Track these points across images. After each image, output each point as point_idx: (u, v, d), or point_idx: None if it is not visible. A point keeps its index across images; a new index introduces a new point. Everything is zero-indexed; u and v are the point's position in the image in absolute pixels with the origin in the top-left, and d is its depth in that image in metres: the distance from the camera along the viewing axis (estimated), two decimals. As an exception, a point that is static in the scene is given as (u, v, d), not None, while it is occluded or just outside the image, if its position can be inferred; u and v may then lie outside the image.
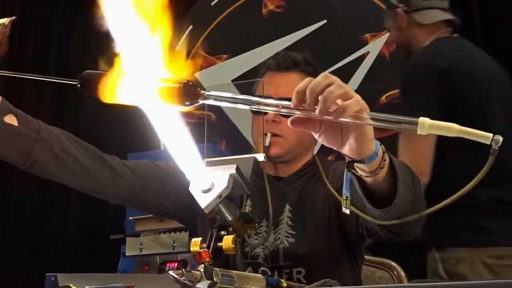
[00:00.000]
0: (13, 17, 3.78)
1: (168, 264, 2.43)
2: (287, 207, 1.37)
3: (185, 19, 3.31)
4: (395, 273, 1.62)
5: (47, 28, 3.70)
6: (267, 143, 1.34)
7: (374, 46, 2.95)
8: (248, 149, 1.53)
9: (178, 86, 0.84)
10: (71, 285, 1.03)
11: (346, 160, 0.91)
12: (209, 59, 3.26)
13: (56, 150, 1.18)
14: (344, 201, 0.91)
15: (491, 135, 0.73)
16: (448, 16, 2.00)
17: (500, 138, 0.73)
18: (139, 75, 0.84)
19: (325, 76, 0.83)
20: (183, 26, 3.27)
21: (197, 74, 2.99)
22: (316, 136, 0.91)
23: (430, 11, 1.99)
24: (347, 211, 0.92)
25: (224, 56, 3.25)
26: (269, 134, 1.35)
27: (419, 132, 0.78)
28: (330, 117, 0.82)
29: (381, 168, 0.90)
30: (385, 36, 2.92)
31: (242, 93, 0.95)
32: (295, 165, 1.44)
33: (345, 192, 0.91)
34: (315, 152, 1.52)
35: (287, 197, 1.39)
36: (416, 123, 0.78)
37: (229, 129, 2.96)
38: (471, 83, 1.85)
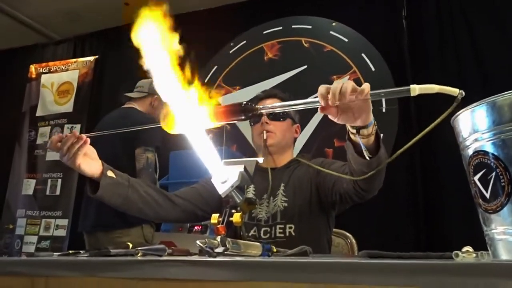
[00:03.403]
0: (96, 56, 3.77)
1: (194, 227, 2.37)
2: (282, 184, 1.37)
3: (211, 61, 3.30)
4: (349, 240, 1.59)
5: (118, 65, 3.67)
6: (265, 137, 1.41)
7: (338, 84, 2.91)
8: (253, 153, 1.55)
9: (241, 105, 0.93)
10: (128, 243, 1.00)
11: (351, 129, 0.98)
12: (227, 89, 3.23)
13: (141, 192, 1.21)
14: (365, 151, 1.00)
15: (457, 90, 0.78)
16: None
17: (463, 92, 0.78)
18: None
19: (338, 82, 0.89)
20: (210, 66, 3.26)
21: (219, 99, 2.95)
22: (335, 119, 0.95)
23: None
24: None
25: (238, 87, 3.21)
26: (264, 131, 1.42)
27: (412, 94, 0.81)
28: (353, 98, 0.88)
29: (373, 133, 0.98)
30: (346, 77, 2.89)
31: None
32: (283, 159, 1.46)
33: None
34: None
35: (282, 179, 1.39)
36: (408, 90, 0.82)
37: (238, 135, 2.92)
38: None
